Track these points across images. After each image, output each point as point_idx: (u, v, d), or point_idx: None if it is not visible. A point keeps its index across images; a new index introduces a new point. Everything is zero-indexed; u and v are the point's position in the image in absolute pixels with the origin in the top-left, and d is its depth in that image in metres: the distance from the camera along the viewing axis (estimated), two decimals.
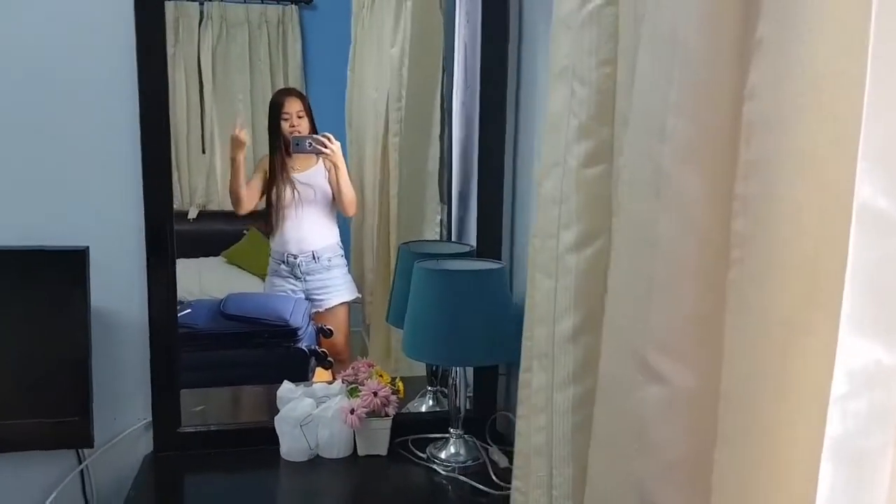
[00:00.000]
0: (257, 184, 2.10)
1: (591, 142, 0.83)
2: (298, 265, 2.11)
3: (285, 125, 2.09)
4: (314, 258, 2.12)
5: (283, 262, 2.12)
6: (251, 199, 2.08)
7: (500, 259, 1.50)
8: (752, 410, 0.58)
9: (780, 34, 0.58)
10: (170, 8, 2.50)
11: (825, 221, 0.53)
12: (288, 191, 2.08)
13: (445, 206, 1.88)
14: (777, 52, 0.58)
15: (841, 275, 0.51)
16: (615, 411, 0.69)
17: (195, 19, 2.54)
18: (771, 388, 0.56)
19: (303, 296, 2.13)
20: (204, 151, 2.56)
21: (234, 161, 2.04)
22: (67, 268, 1.25)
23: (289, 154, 2.07)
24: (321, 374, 1.98)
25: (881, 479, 0.56)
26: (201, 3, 2.54)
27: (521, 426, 1.03)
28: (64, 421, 1.27)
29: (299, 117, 2.09)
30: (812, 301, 0.53)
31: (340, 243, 2.18)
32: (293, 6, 2.63)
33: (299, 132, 2.07)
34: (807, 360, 0.54)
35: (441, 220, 1.90)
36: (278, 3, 2.61)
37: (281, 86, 2.61)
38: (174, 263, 1.38)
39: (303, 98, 2.18)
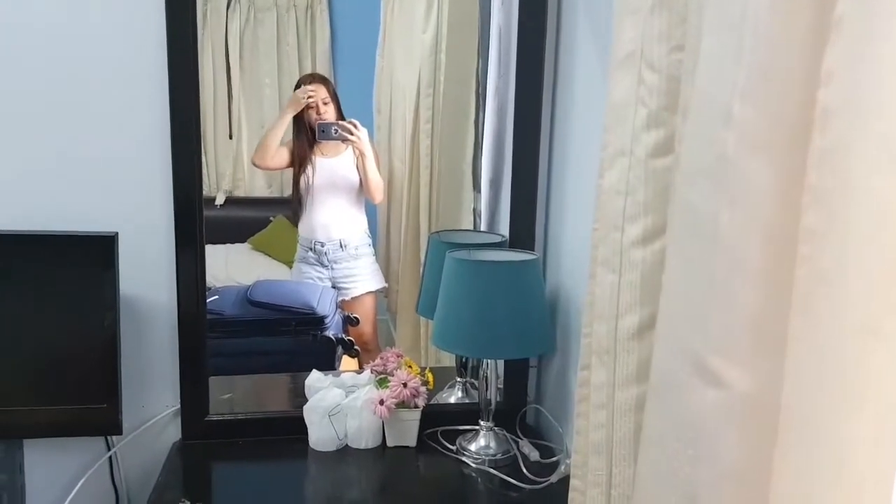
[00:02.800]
0: (285, 151, 2.08)
1: (662, 131, 0.78)
2: (325, 253, 2.09)
3: (311, 112, 2.06)
4: (341, 246, 2.10)
5: (311, 249, 2.11)
6: (277, 158, 2.06)
7: (533, 250, 1.46)
8: (816, 423, 0.54)
9: (862, 12, 0.53)
10: None
11: None
12: (315, 178, 2.06)
13: (479, 195, 1.85)
14: (858, 31, 0.53)
15: None
16: (668, 414, 0.66)
17: (223, 3, 2.53)
18: (837, 399, 0.52)
19: (329, 283, 2.12)
20: (231, 137, 2.55)
21: (283, 116, 2.01)
22: (97, 253, 1.24)
23: (315, 140, 2.05)
24: (347, 363, 1.96)
25: None
26: None
27: (579, 424, 1.00)
28: (93, 407, 1.27)
29: (325, 103, 2.06)
30: (892, 305, 0.49)
31: (368, 232, 2.16)
32: None
33: (325, 118, 2.04)
34: (882, 370, 0.50)
35: (474, 209, 1.87)
36: None
37: (309, 71, 2.59)
38: (203, 249, 1.36)
39: (328, 83, 2.15)
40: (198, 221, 1.33)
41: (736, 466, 0.60)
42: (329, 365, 1.95)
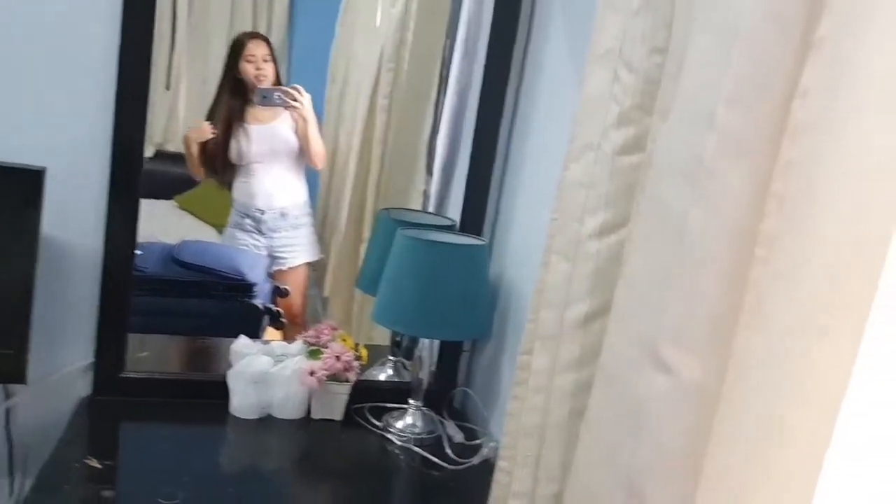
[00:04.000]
0: (206, 127, 1.99)
1: (631, 130, 0.80)
2: (265, 221, 2.02)
3: (250, 68, 1.97)
4: (282, 215, 2.03)
5: (248, 216, 2.03)
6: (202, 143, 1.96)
7: (481, 236, 1.47)
8: (754, 413, 0.57)
9: (842, 34, 0.56)
10: None
11: (864, 228, 0.52)
12: (252, 145, 1.98)
13: (430, 177, 1.84)
14: (837, 51, 0.56)
15: (872, 285, 0.50)
16: (615, 398, 0.68)
17: None
18: (777, 393, 0.55)
19: (265, 252, 2.05)
20: (168, 88, 2.43)
21: (189, 146, 1.94)
22: (21, 188, 1.15)
23: (250, 101, 1.96)
24: (271, 335, 1.92)
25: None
26: None
27: (514, 407, 1.01)
28: (1, 353, 1.18)
29: (265, 61, 1.98)
30: (836, 307, 0.52)
31: (309, 201, 2.10)
32: None
33: (265, 77, 1.96)
34: (825, 367, 0.53)
35: (425, 191, 1.86)
36: None
37: (263, 30, 2.50)
38: (138, 199, 1.29)
39: (268, 43, 2.07)
40: (136, 168, 1.26)
41: (674, 451, 0.63)
42: (253, 334, 1.88)
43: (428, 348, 1.42)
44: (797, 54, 0.58)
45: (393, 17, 1.94)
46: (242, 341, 1.44)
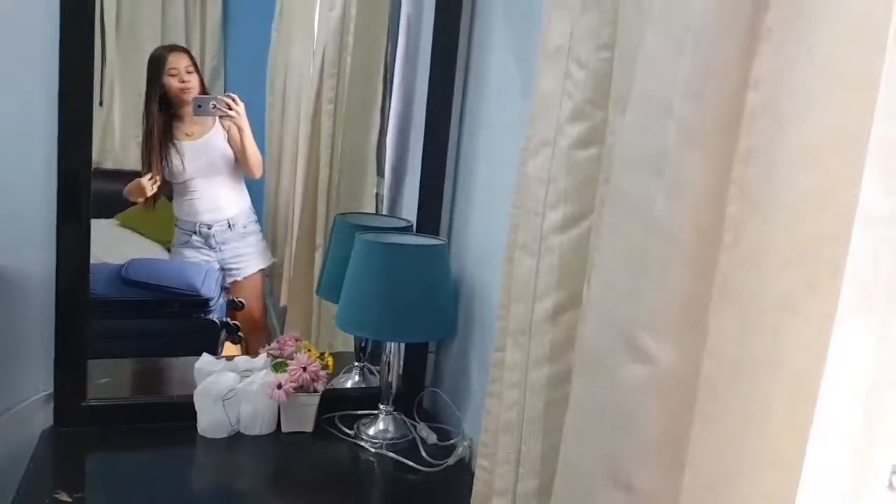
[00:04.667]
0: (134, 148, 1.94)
1: (585, 124, 0.82)
2: (213, 235, 1.97)
3: (173, 81, 1.92)
4: (229, 226, 1.99)
5: (195, 232, 1.97)
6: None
7: (438, 235, 1.47)
8: (733, 396, 0.60)
9: (789, 24, 0.59)
10: None
11: (826, 212, 0.55)
12: (186, 162, 1.93)
13: (382, 179, 1.83)
14: (784, 41, 0.59)
15: (837, 263, 0.54)
16: (595, 389, 0.69)
17: None
18: (754, 374, 0.58)
19: (217, 266, 2.01)
20: (101, 104, 2.35)
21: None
22: None
23: (179, 117, 1.91)
24: (230, 349, 1.88)
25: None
26: None
27: (491, 404, 1.02)
28: None
29: (188, 72, 1.93)
30: (806, 287, 0.55)
31: (252, 208, 2.06)
32: None
33: (191, 89, 1.91)
34: (798, 344, 0.56)
35: (377, 194, 1.86)
36: None
37: (197, 40, 2.44)
38: (89, 218, 1.25)
39: (189, 54, 2.02)
40: (85, 187, 1.22)
41: (657, 438, 0.65)
42: (212, 350, 1.84)
43: (395, 352, 1.42)
44: (749, 45, 0.61)
45: (332, 20, 1.92)
46: (205, 359, 1.41)
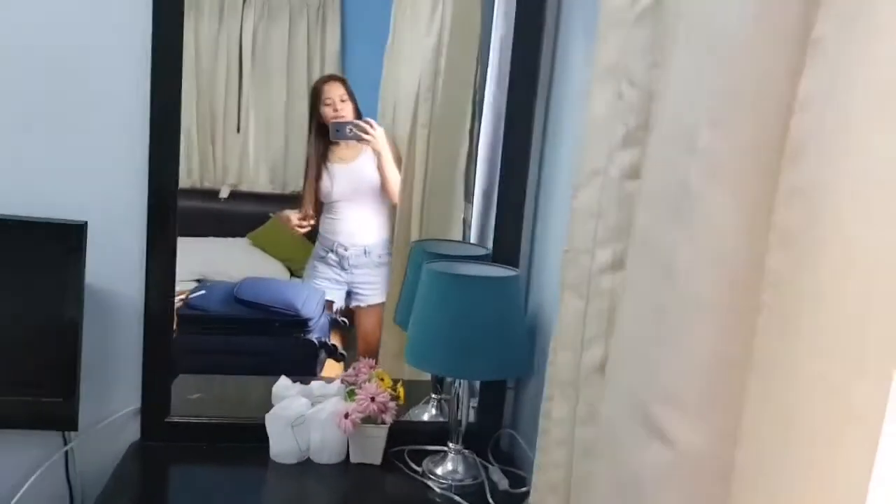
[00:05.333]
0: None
1: (638, 150, 0.73)
2: (348, 257, 2.04)
3: (328, 111, 2.03)
4: (365, 253, 2.04)
5: (332, 251, 2.05)
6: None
7: (517, 266, 1.40)
8: (771, 492, 0.48)
9: (843, 32, 0.47)
10: None
11: (886, 267, 0.42)
12: (335, 185, 2.02)
13: (470, 206, 1.79)
14: (839, 53, 0.47)
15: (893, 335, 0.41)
16: (612, 468, 0.60)
17: (240, 0, 2.53)
18: (794, 465, 0.46)
19: (346, 288, 2.07)
20: (238, 131, 2.54)
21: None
22: (65, 242, 1.20)
23: (330, 142, 2.01)
24: (332, 368, 1.91)
25: None
26: None
27: (540, 460, 0.94)
28: (49, 401, 1.23)
29: (342, 101, 2.03)
30: (858, 365, 0.43)
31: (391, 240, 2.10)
32: None
33: (344, 117, 2.01)
34: (844, 436, 0.44)
35: (464, 220, 1.82)
36: None
37: (317, 71, 2.57)
38: (175, 243, 1.32)
39: (344, 82, 2.12)
40: (172, 214, 1.29)
41: None
42: (310, 369, 1.90)
43: (466, 387, 1.36)
44: (792, 60, 0.50)
45: (428, 46, 1.92)
46: (282, 383, 1.44)
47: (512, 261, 1.41)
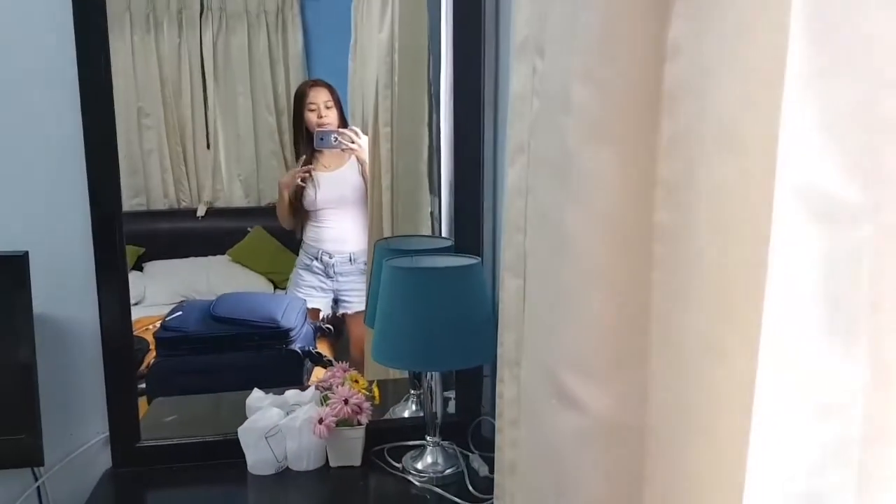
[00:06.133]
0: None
1: None
2: (333, 265, 2.02)
3: (312, 116, 2.01)
4: (351, 260, 2.03)
5: (317, 258, 2.03)
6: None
7: (478, 254, 1.38)
8: (678, 447, 0.46)
9: None
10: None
11: (749, 210, 0.40)
12: (320, 193, 2.00)
13: (436, 198, 1.77)
14: None
15: (761, 279, 0.39)
16: (533, 441, 0.58)
17: (196, 11, 2.51)
18: (693, 420, 0.44)
19: (332, 295, 2.05)
20: (209, 147, 2.52)
21: (281, 192, 1.99)
22: (7, 274, 1.18)
23: (315, 149, 1.99)
24: (321, 376, 1.89)
25: None
26: None
27: (498, 440, 0.93)
28: (11, 439, 1.21)
29: (327, 108, 2.01)
30: (730, 315, 0.41)
31: None
32: None
33: (328, 124, 1.98)
34: (725, 387, 0.42)
35: (432, 214, 1.80)
36: None
37: (282, 77, 2.55)
38: (125, 264, 1.30)
39: (330, 88, 2.09)
40: (118, 234, 1.27)
41: (601, 499, 0.52)
42: (297, 380, 1.88)
43: (437, 379, 1.34)
44: (657, 8, 0.48)
45: (382, 42, 1.90)
46: (255, 395, 1.43)
47: (474, 249, 1.39)
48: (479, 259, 1.32)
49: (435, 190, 1.76)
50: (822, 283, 0.42)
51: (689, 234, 0.46)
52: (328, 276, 2.03)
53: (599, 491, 0.52)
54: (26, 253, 1.18)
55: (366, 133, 2.12)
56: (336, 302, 2.04)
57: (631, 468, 0.50)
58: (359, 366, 1.97)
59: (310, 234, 2.03)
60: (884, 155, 0.39)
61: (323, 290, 2.04)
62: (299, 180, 1.98)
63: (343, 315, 2.03)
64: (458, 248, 1.41)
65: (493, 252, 1.42)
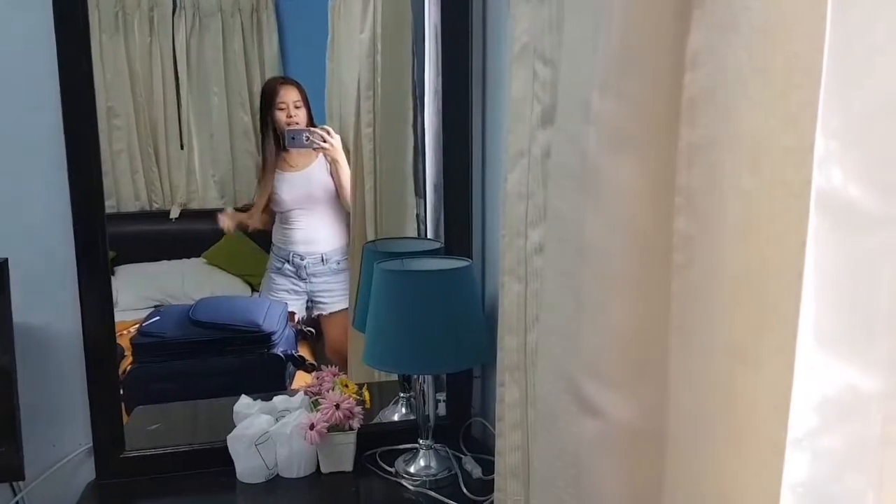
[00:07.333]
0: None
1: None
2: (305, 266, 1.99)
3: (282, 115, 1.97)
4: (322, 261, 1.99)
5: (288, 261, 2.00)
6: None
7: (469, 256, 1.38)
8: (699, 453, 0.47)
9: None
10: None
11: (779, 219, 0.41)
12: (286, 193, 1.97)
13: (422, 200, 1.77)
14: (723, 5, 0.46)
15: (797, 287, 0.39)
16: (550, 446, 0.58)
17: (169, 9, 2.45)
18: (718, 427, 0.45)
19: (305, 297, 2.02)
20: (182, 147, 2.47)
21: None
22: None
23: (285, 148, 1.95)
24: (304, 380, 1.87)
25: None
26: None
27: (499, 445, 0.93)
28: None
29: (296, 107, 1.97)
30: (762, 320, 0.41)
31: (349, 245, 2.06)
32: None
33: (297, 123, 1.95)
34: (758, 393, 0.42)
35: (417, 215, 1.79)
36: None
37: (257, 77, 2.51)
38: (108, 271, 1.27)
39: (300, 87, 2.05)
40: (101, 241, 1.23)
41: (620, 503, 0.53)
42: (279, 384, 1.85)
43: (430, 382, 1.34)
44: (678, 16, 0.48)
45: (364, 43, 1.89)
46: (242, 402, 1.41)
47: (464, 251, 1.39)
48: (471, 261, 1.32)
49: (420, 191, 1.75)
50: (842, 290, 0.43)
51: (709, 241, 0.46)
52: (300, 278, 2.00)
53: (619, 497, 0.52)
54: (5, 260, 1.15)
55: (346, 134, 2.11)
56: (310, 304, 2.02)
57: (651, 475, 0.50)
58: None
59: (279, 235, 2.00)
60: None
61: (296, 292, 2.02)
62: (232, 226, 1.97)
63: (318, 316, 2.01)
64: (447, 251, 1.40)
65: (483, 254, 1.42)
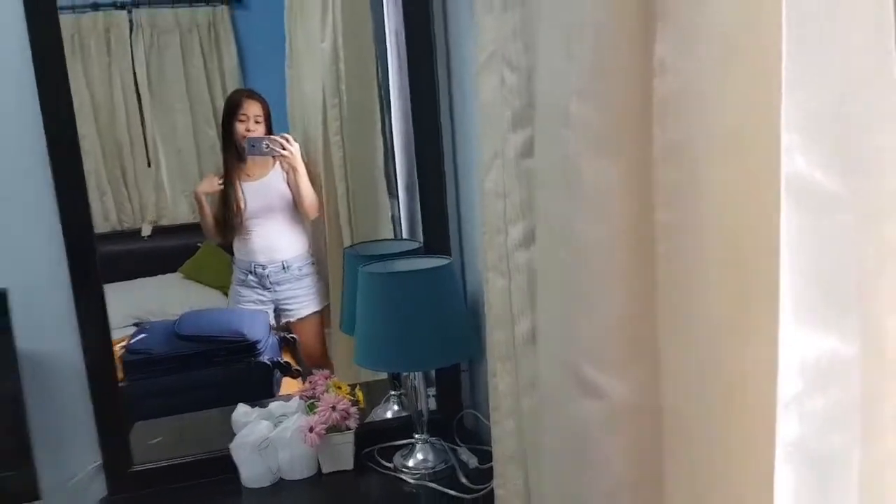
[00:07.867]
0: (215, 181, 2.01)
1: (528, 131, 0.76)
2: (267, 276, 2.01)
3: (240, 127, 1.98)
4: (284, 268, 2.01)
5: (251, 272, 2.02)
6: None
7: (448, 254, 1.44)
8: (697, 423, 0.53)
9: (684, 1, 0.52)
10: (98, 19, 2.39)
11: (753, 205, 0.47)
12: (248, 198, 1.98)
13: (396, 202, 1.81)
14: (683, 18, 0.52)
15: (774, 266, 0.46)
16: (556, 427, 0.64)
17: (125, 29, 2.44)
18: (711, 398, 0.51)
19: (272, 306, 2.04)
20: (150, 165, 2.46)
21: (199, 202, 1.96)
22: None
23: (242, 158, 1.97)
24: (290, 385, 1.90)
25: (846, 483, 0.50)
26: (129, 12, 2.42)
27: (496, 433, 0.98)
28: (4, 475, 1.19)
29: (256, 122, 1.98)
30: (745, 298, 0.48)
31: (311, 250, 2.09)
32: (224, 6, 2.53)
33: (254, 135, 1.97)
34: (746, 364, 0.49)
35: (392, 216, 1.84)
36: (208, 5, 2.51)
37: (219, 91, 2.51)
38: (102, 290, 1.29)
39: (263, 102, 2.06)
40: (93, 265, 1.26)
41: (626, 476, 0.59)
42: (267, 392, 1.88)
43: (421, 378, 1.39)
44: (644, 27, 0.54)
45: (325, 51, 1.92)
46: (241, 410, 1.44)
47: (444, 249, 1.44)
48: (451, 259, 1.37)
49: (394, 192, 1.80)
50: (816, 266, 0.48)
51: (689, 230, 0.52)
52: (265, 288, 2.02)
53: (622, 469, 0.58)
54: (5, 290, 1.17)
55: (312, 142, 2.14)
56: (277, 312, 2.04)
57: (651, 446, 0.56)
58: (326, 366, 1.99)
59: (240, 247, 2.02)
60: (860, 148, 0.47)
61: (262, 302, 2.04)
62: (217, 184, 1.97)
63: (287, 323, 2.04)
64: (427, 250, 1.46)
65: (461, 251, 1.48)
